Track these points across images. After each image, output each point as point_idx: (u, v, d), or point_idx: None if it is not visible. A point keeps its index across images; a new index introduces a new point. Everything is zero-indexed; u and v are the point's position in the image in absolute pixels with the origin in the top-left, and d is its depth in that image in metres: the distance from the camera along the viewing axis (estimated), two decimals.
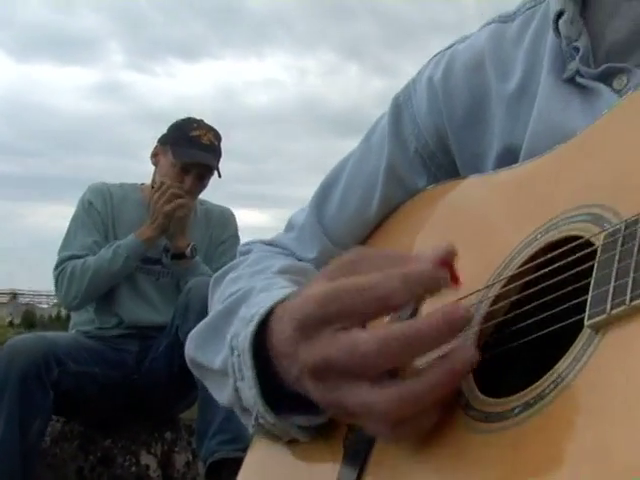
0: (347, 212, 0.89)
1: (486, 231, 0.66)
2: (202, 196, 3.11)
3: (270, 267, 0.84)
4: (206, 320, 0.81)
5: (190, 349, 0.81)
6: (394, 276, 0.53)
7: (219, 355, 0.73)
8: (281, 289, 0.72)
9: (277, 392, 0.62)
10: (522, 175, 0.68)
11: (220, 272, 0.92)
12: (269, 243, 0.95)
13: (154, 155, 3.05)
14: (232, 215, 3.22)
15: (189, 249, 2.89)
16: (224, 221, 3.16)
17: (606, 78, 0.69)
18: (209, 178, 3.05)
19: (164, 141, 3.02)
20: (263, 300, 0.68)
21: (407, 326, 0.51)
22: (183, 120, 3.05)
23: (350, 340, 0.52)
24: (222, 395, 0.73)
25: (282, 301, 0.64)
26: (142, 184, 3.11)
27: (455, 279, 0.53)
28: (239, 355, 0.66)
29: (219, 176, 3.06)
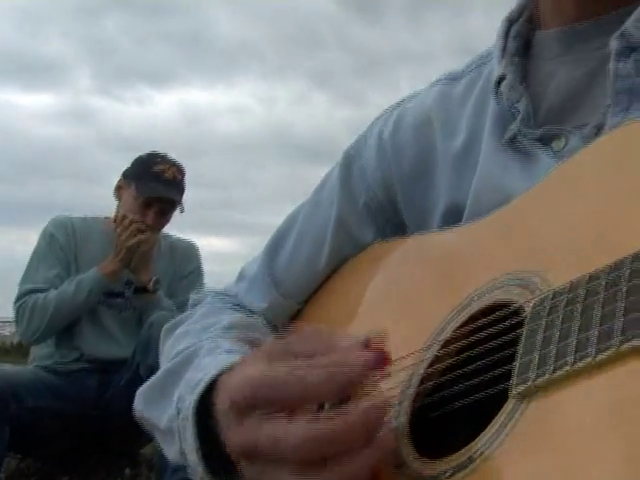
0: (297, 265, 0.91)
1: (425, 293, 0.68)
2: (168, 228, 3.12)
3: (219, 322, 0.85)
4: (154, 378, 0.82)
5: (139, 404, 0.83)
6: (320, 369, 0.55)
7: (165, 414, 0.74)
8: (227, 354, 0.74)
9: (220, 456, 0.64)
10: (461, 238, 0.70)
11: (171, 324, 0.93)
12: (220, 293, 0.96)
13: (117, 189, 3.06)
14: (196, 249, 3.24)
15: (152, 283, 2.89)
16: (188, 255, 3.17)
17: (546, 140, 0.72)
18: (172, 213, 3.06)
19: (127, 175, 3.03)
20: (207, 366, 0.70)
21: (324, 426, 0.52)
22: (147, 154, 3.06)
23: (272, 431, 0.54)
24: (170, 452, 0.75)
25: (225, 370, 0.66)
26: (106, 218, 3.11)
27: (385, 361, 0.55)
28: (184, 419, 0.68)
29: (181, 211, 3.07)
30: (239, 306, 0.94)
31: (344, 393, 0.56)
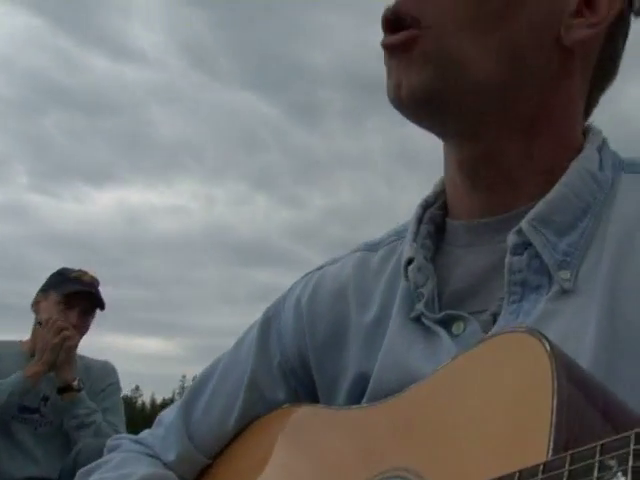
0: (210, 419, 0.93)
1: (319, 469, 0.72)
2: (100, 335, 3.15)
3: (132, 474, 0.86)
4: None
5: None
6: None
7: None
8: None
9: None
10: (358, 420, 0.74)
11: (86, 469, 0.93)
12: (137, 441, 0.98)
13: (35, 304, 3.11)
14: (113, 368, 3.25)
15: (76, 381, 2.89)
16: (104, 373, 3.18)
17: (446, 323, 0.77)
18: (93, 314, 3.11)
19: (45, 287, 3.10)
20: None
21: None
22: (62, 268, 3.16)
23: None
24: None
25: None
26: (20, 340, 3.13)
27: None
28: None
29: (102, 308, 3.12)
30: (153, 457, 0.95)
31: None
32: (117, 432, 2.91)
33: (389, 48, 0.78)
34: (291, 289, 0.97)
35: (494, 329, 0.74)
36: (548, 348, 0.55)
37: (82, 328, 3.06)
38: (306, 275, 0.97)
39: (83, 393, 2.91)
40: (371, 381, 0.80)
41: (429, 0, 0.75)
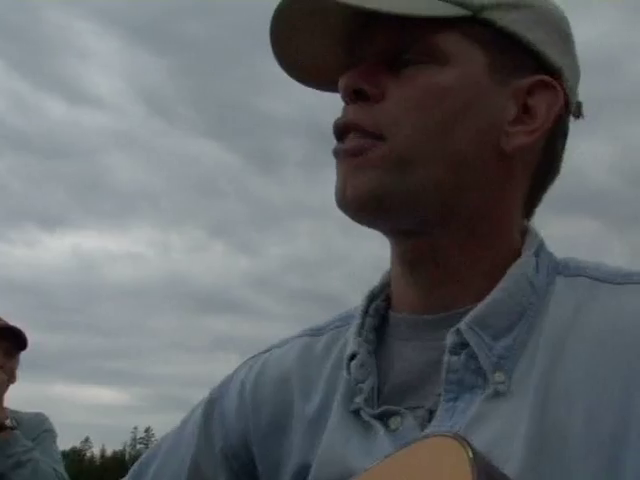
0: None
1: None
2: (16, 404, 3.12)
3: None
4: None
5: None
6: None
7: None
8: None
9: None
10: None
11: None
12: None
13: None
14: (45, 417, 3.21)
15: (9, 420, 2.87)
16: (36, 422, 3.13)
17: (384, 418, 0.78)
18: (18, 354, 3.09)
19: None
20: None
21: None
22: None
23: None
24: None
25: None
26: None
27: None
28: None
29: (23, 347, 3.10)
30: None
31: None
32: (56, 472, 2.88)
33: (341, 154, 0.81)
34: (236, 371, 0.97)
35: (429, 429, 0.76)
36: (471, 455, 0.57)
37: (7, 369, 3.04)
38: (251, 358, 0.98)
39: (18, 432, 2.86)
40: (310, 475, 0.81)
41: (382, 113, 0.78)
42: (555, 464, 0.70)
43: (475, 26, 0.79)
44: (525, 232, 0.85)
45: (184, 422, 0.98)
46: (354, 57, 0.82)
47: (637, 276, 0.79)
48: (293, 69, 0.86)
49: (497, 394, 0.74)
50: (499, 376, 0.75)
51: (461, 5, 0.79)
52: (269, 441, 0.89)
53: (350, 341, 0.85)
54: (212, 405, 0.95)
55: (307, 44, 0.84)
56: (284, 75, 0.86)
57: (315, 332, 0.94)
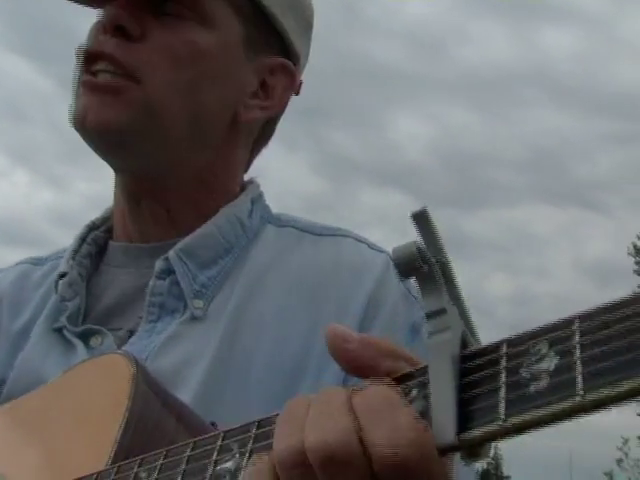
0: None
1: None
2: None
3: None
4: None
5: None
6: None
7: None
8: None
9: None
10: None
11: None
12: None
13: None
14: None
15: None
16: None
17: (85, 337, 0.82)
18: None
19: None
20: None
21: None
22: None
23: None
24: None
25: None
26: None
27: None
28: None
29: None
30: None
31: None
32: None
33: (90, 87, 0.82)
34: None
35: (126, 347, 0.80)
36: (133, 371, 0.64)
37: None
38: None
39: None
40: (5, 386, 0.82)
41: (140, 54, 0.82)
42: (232, 384, 0.77)
43: None
44: (245, 186, 0.93)
45: None
46: None
47: (336, 230, 0.90)
48: None
49: (194, 319, 0.80)
50: (198, 303, 0.81)
51: None
52: None
53: (62, 263, 0.88)
54: None
55: None
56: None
57: (37, 261, 0.97)
